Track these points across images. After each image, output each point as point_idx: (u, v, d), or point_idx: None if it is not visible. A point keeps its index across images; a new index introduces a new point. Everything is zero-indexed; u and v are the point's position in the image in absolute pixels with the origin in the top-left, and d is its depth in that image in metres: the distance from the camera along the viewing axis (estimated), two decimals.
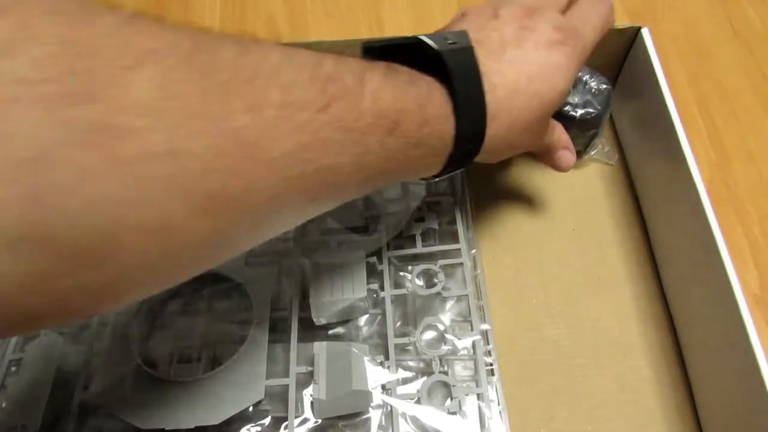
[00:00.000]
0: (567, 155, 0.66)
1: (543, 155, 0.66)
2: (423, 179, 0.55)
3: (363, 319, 0.66)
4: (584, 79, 0.73)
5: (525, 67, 0.55)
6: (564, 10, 0.61)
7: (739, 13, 0.96)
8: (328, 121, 0.40)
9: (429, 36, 0.51)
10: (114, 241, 0.32)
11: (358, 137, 0.42)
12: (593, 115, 0.72)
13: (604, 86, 0.73)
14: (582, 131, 0.74)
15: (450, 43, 0.51)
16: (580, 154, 0.78)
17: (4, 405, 0.61)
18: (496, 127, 0.53)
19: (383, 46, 0.55)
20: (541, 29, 0.57)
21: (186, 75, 0.34)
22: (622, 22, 0.82)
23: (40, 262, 0.30)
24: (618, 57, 0.78)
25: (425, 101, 0.48)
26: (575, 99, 0.72)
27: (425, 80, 0.50)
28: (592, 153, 0.78)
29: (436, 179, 0.56)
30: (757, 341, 0.52)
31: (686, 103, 0.86)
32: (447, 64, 0.50)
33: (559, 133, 0.65)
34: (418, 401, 0.59)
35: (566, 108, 0.72)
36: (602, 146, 0.79)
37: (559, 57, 0.56)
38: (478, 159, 0.56)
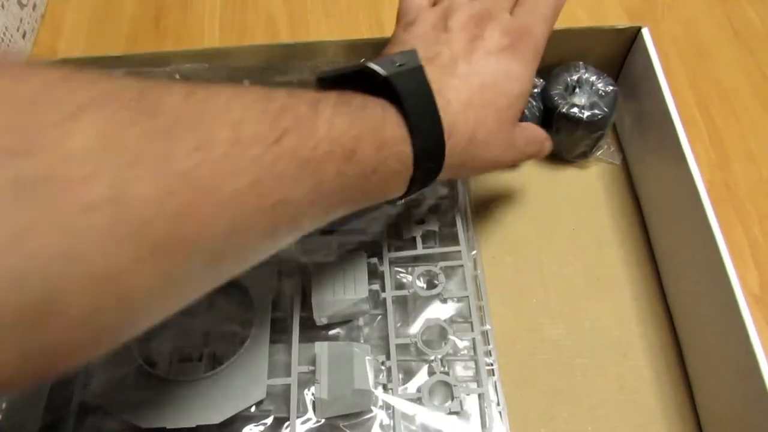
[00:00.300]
0: (545, 149, 0.65)
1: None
2: (388, 202, 0.54)
3: (364, 320, 0.66)
4: (591, 80, 0.74)
5: (476, 79, 0.54)
6: (512, 9, 0.61)
7: (739, 13, 0.96)
8: (282, 153, 0.39)
9: (377, 62, 0.50)
10: (59, 297, 0.30)
11: (315, 167, 0.42)
12: (600, 117, 0.72)
13: (611, 88, 0.73)
14: (589, 133, 0.74)
15: (398, 66, 0.50)
16: (585, 154, 0.78)
17: (4, 405, 0.60)
18: (455, 143, 0.52)
19: (336, 76, 0.54)
20: (490, 36, 0.57)
21: (130, 120, 0.33)
22: (621, 21, 0.83)
23: None
24: (618, 57, 0.78)
25: (380, 125, 0.48)
26: (582, 100, 0.73)
27: (379, 104, 0.49)
28: (598, 153, 0.79)
29: (401, 200, 0.55)
30: (757, 341, 0.52)
31: (686, 103, 0.86)
32: (396, 87, 0.49)
33: (530, 135, 0.63)
34: (419, 401, 0.59)
35: (573, 110, 0.72)
36: (608, 147, 0.79)
37: (508, 62, 0.56)
38: (445, 176, 0.55)
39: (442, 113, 0.51)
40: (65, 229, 0.29)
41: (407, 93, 0.49)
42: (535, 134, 0.64)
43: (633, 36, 0.75)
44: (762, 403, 0.51)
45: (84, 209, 0.30)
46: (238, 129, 0.38)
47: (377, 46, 0.76)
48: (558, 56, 0.76)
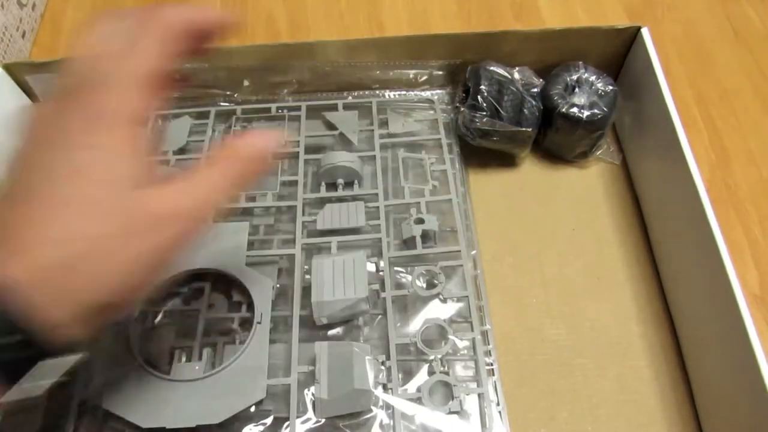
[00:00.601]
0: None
1: None
2: None
3: (364, 320, 0.65)
4: (591, 80, 0.73)
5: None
6: None
7: (739, 13, 0.97)
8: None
9: None
10: None
11: None
12: (599, 116, 0.72)
13: (611, 88, 0.73)
14: (588, 132, 0.74)
15: None
16: (585, 154, 0.78)
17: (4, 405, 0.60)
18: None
19: None
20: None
21: None
22: (621, 21, 0.83)
23: None
24: (618, 57, 0.78)
25: None
26: (582, 100, 0.72)
27: None
28: (598, 153, 0.78)
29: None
30: (756, 341, 0.52)
31: (686, 103, 0.86)
32: None
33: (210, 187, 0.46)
34: (419, 401, 0.59)
35: (573, 109, 0.72)
36: (607, 146, 0.79)
37: None
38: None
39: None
40: None
41: None
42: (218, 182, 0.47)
43: (633, 36, 0.75)
44: (762, 403, 0.51)
45: None
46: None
47: (377, 46, 0.77)
48: (558, 56, 0.76)
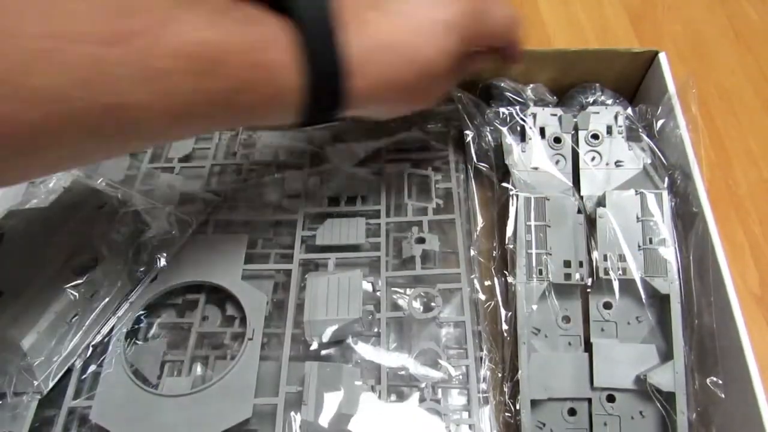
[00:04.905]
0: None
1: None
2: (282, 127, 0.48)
3: (357, 341, 0.57)
4: (607, 103, 0.66)
5: (403, 20, 0.45)
6: None
7: (739, 13, 0.90)
8: (120, 57, 0.34)
9: None
10: None
11: (161, 76, 0.36)
12: None
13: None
14: None
15: None
16: None
17: None
18: (360, 85, 0.44)
19: None
20: None
21: None
22: (621, 21, 0.79)
23: None
24: (634, 79, 0.71)
25: (262, 45, 0.40)
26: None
27: (273, 23, 0.41)
28: None
29: (300, 129, 0.48)
30: (747, 341, 0.49)
31: (686, 102, 0.78)
32: (294, 10, 0.41)
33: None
34: None
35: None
36: None
37: (448, 14, 0.46)
38: (355, 114, 0.47)
39: (350, 48, 0.42)
40: None
41: (308, 19, 0.42)
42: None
43: (650, 59, 0.68)
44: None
45: None
46: (63, 22, 0.33)
47: None
48: (573, 76, 0.69)
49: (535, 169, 0.61)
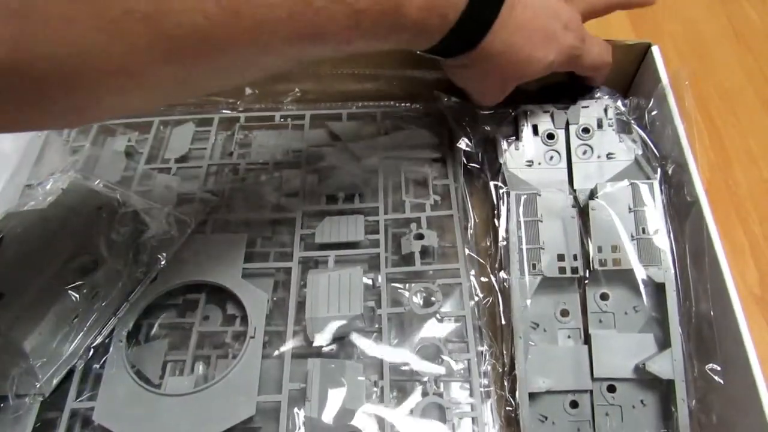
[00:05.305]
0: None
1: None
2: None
3: (358, 337, 0.58)
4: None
5: (530, 29, 0.53)
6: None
7: (739, 13, 0.91)
8: None
9: None
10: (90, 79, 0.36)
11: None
12: None
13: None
14: None
15: None
16: None
17: None
18: (507, 19, 0.51)
19: None
20: (566, 11, 0.57)
21: None
22: (622, 22, 0.77)
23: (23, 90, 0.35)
24: (627, 73, 0.71)
25: None
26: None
27: None
28: None
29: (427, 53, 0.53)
30: (749, 340, 0.48)
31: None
32: None
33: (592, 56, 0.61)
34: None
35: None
36: None
37: (551, 54, 0.55)
38: (482, 65, 0.55)
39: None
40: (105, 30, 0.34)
41: None
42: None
43: (643, 52, 0.68)
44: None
45: (122, 17, 0.34)
46: None
47: (384, 56, 0.69)
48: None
49: (529, 165, 0.62)
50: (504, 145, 0.63)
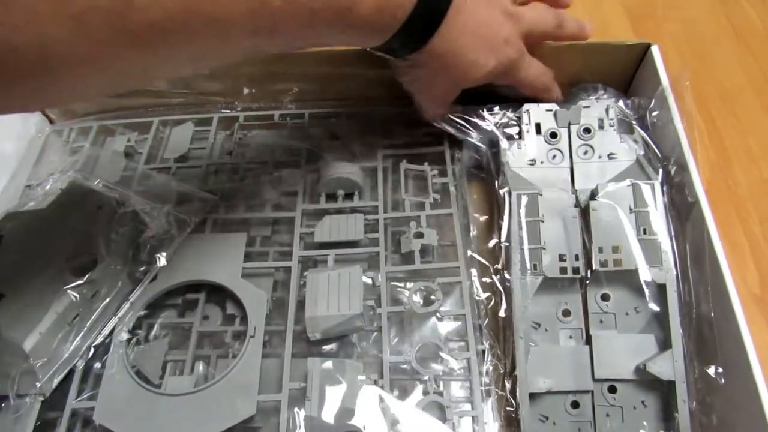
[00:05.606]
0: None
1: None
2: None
3: (358, 336, 0.58)
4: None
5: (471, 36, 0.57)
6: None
7: (739, 13, 0.90)
8: None
9: None
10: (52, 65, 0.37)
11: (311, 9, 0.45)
12: None
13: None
14: None
15: None
16: None
17: None
18: (452, 23, 0.54)
19: None
20: (508, 27, 0.59)
21: None
22: (621, 21, 0.78)
23: None
24: (627, 73, 0.71)
25: None
26: None
27: None
28: None
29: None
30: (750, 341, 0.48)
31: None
32: None
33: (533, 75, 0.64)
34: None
35: None
36: None
37: (490, 64, 0.59)
38: (422, 95, 0.63)
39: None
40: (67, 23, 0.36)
41: None
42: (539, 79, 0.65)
43: (642, 52, 0.68)
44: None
45: (88, 8, 0.36)
46: None
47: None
48: (568, 70, 0.68)
49: (532, 164, 0.62)
50: (506, 144, 0.63)
